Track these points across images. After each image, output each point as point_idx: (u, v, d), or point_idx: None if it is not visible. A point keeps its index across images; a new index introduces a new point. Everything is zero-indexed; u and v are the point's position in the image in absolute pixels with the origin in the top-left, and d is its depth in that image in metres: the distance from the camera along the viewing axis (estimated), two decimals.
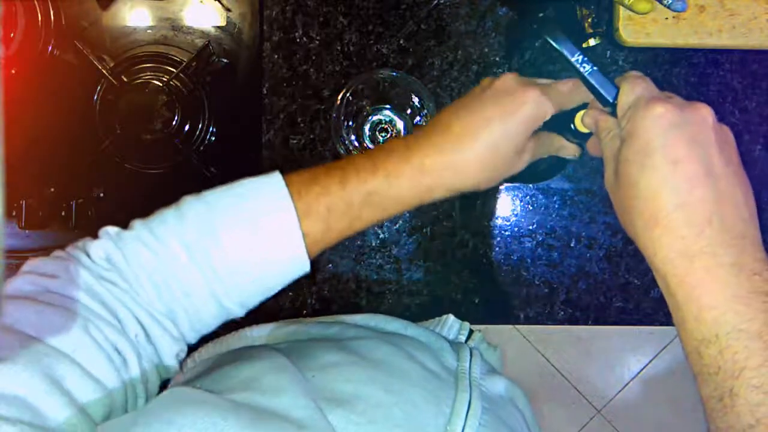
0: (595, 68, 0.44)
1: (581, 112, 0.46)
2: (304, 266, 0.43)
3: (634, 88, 0.41)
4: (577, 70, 0.44)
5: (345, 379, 0.40)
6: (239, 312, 0.43)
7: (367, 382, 0.40)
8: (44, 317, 0.34)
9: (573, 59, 0.44)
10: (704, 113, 0.39)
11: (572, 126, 0.47)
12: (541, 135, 0.49)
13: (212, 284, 0.40)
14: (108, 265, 0.39)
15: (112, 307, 0.38)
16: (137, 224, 0.41)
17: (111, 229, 0.41)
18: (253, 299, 0.43)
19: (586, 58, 0.44)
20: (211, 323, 0.43)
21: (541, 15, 0.45)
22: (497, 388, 0.50)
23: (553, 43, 0.44)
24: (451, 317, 0.65)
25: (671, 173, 0.37)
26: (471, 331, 0.65)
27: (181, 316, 0.41)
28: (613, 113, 0.43)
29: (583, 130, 0.47)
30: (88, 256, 0.40)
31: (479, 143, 0.43)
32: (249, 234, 0.40)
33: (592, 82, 0.44)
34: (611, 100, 0.43)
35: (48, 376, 0.31)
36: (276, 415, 0.35)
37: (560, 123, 0.48)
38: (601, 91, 0.43)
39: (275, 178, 0.42)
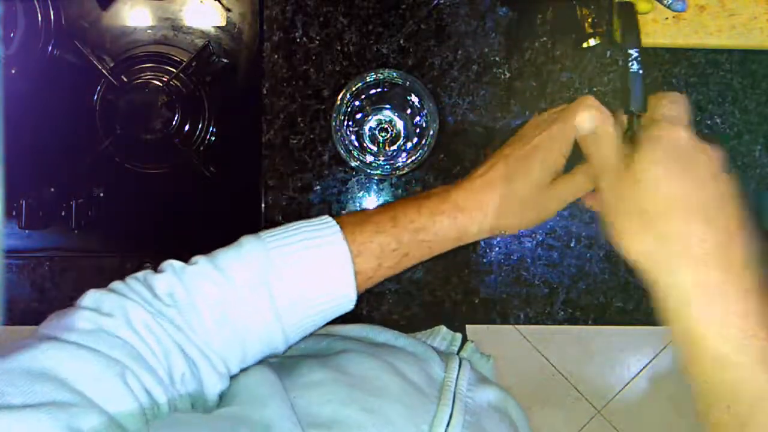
0: (641, 72, 0.44)
1: None
2: (350, 306, 0.46)
3: (679, 104, 0.42)
4: (626, 63, 0.44)
5: (325, 400, 0.41)
6: (282, 349, 0.45)
7: (345, 402, 0.41)
8: (84, 364, 0.35)
9: (630, 50, 0.44)
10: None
11: None
12: (568, 176, 0.49)
13: (269, 321, 0.42)
14: (170, 300, 0.40)
15: (165, 345, 0.39)
16: (200, 260, 0.43)
17: (176, 263, 0.42)
18: (297, 336, 0.45)
19: (639, 58, 0.44)
20: (256, 359, 0.44)
21: None
22: (486, 399, 0.50)
23: (623, 29, 0.44)
24: (444, 328, 0.65)
25: (699, 190, 0.38)
26: (464, 341, 0.65)
27: (235, 351, 0.42)
28: (629, 121, 0.44)
29: None
30: (151, 289, 0.41)
31: (497, 191, 0.47)
32: (307, 278, 0.43)
33: (632, 81, 0.44)
34: (634, 110, 0.44)
35: (70, 427, 0.31)
36: (257, 423, 0.35)
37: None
38: (632, 95, 0.44)
39: (330, 224, 0.45)
